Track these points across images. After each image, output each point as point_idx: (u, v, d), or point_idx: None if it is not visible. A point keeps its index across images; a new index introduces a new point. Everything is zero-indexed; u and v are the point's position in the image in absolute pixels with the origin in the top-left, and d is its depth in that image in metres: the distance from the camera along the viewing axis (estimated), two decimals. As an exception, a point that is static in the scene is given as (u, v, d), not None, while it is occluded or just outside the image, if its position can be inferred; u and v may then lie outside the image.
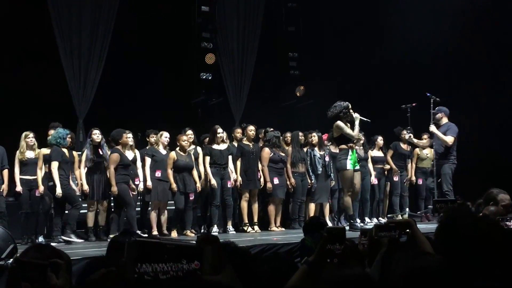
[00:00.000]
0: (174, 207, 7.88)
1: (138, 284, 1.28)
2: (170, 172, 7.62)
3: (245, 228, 8.00)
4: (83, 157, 7.45)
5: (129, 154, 7.61)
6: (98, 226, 7.40)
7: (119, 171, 7.26)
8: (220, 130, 8.06)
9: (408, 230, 2.43)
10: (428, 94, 8.23)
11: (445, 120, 8.15)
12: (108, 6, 9.98)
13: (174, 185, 7.57)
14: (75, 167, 7.56)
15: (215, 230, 7.86)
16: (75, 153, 7.62)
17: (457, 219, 2.12)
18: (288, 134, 8.77)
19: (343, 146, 7.51)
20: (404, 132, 9.29)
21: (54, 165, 6.97)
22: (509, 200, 4.02)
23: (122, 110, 9.76)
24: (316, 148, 8.70)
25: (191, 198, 7.72)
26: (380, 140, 9.36)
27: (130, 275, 1.27)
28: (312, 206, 8.64)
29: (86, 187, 7.31)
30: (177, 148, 7.77)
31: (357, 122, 7.41)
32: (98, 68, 9.87)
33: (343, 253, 2.15)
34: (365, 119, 7.62)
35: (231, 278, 1.37)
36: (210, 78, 11.20)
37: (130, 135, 7.53)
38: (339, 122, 7.37)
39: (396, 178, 9.28)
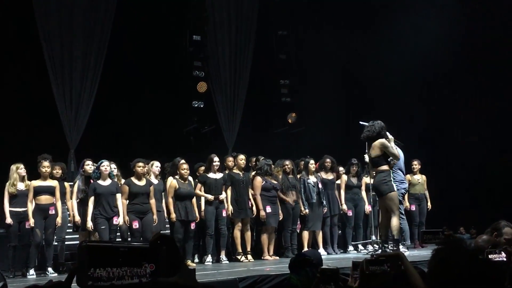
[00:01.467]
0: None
1: None
2: (170, 201, 7.55)
3: (239, 257, 7.93)
4: (75, 188, 7.42)
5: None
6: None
7: (129, 202, 7.29)
8: (216, 158, 8.05)
9: (399, 263, 2.43)
10: (361, 123, 7.76)
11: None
12: (100, 35, 10.04)
13: (173, 215, 7.50)
14: (66, 198, 7.53)
15: (208, 259, 7.79)
16: (66, 184, 7.62)
17: (450, 255, 2.11)
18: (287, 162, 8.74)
19: (385, 167, 7.24)
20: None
21: (89, 201, 7.13)
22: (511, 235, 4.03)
23: (113, 140, 9.76)
24: (310, 176, 8.70)
25: (192, 227, 7.66)
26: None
27: (83, 282, 1.22)
28: (305, 234, 8.59)
29: (77, 218, 7.25)
30: (177, 177, 7.73)
31: (392, 144, 7.29)
32: (90, 98, 9.87)
33: None
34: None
35: (187, 277, 1.33)
36: (202, 106, 11.21)
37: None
38: (385, 141, 7.14)
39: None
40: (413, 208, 9.42)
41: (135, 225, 7.27)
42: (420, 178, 9.55)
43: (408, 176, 9.51)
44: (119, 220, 7.24)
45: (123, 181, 7.62)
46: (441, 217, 10.28)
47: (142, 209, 7.33)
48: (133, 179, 7.42)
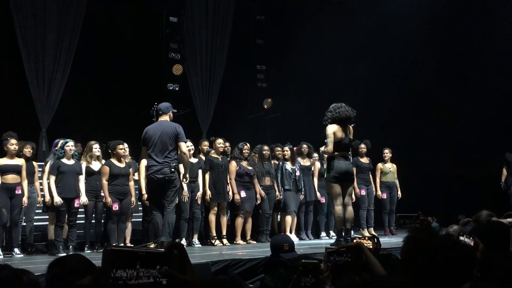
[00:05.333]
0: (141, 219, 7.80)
1: None
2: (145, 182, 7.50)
3: (213, 241, 7.93)
4: (47, 168, 7.28)
5: (96, 165, 7.51)
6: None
7: (109, 183, 7.27)
8: (189, 143, 8.00)
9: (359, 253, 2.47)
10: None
11: (163, 118, 6.72)
12: (74, 14, 9.85)
13: (146, 196, 7.43)
14: (35, 178, 7.40)
15: (182, 243, 7.76)
16: (35, 164, 7.49)
17: (422, 239, 2.14)
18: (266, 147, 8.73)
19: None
20: (362, 145, 9.36)
21: (50, 179, 7.02)
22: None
23: (87, 120, 9.60)
24: (288, 163, 8.73)
25: None
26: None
27: (106, 280, 1.45)
28: (288, 219, 8.63)
29: (48, 198, 7.12)
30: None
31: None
32: (62, 77, 9.70)
33: (313, 286, 2.27)
34: None
35: (195, 278, 1.58)
36: (177, 89, 11.12)
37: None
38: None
39: (363, 192, 9.34)
40: (384, 196, 9.55)
41: (115, 207, 7.26)
42: (391, 166, 9.67)
43: (380, 164, 9.64)
44: (81, 201, 7.23)
45: (103, 161, 7.57)
46: (411, 205, 10.42)
47: (123, 190, 7.35)
48: (113, 160, 7.41)
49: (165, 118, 6.65)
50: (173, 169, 6.36)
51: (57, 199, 6.96)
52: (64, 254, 6.00)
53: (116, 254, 1.48)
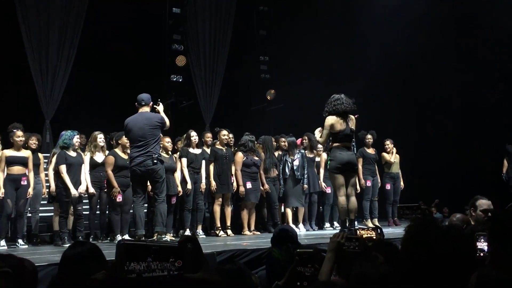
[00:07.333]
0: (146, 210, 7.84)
1: (127, 281, 1.46)
2: None
3: (217, 232, 7.96)
4: (54, 159, 7.31)
5: (100, 157, 7.53)
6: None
7: (114, 174, 7.27)
8: (193, 133, 8.03)
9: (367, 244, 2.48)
10: None
11: (144, 109, 6.61)
12: (77, 6, 9.86)
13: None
14: (40, 169, 7.42)
15: (187, 234, 7.80)
16: (40, 155, 7.51)
17: (424, 231, 2.14)
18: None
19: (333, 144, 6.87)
20: (369, 136, 9.39)
21: (62, 169, 7.00)
22: (488, 206, 4.16)
23: (90, 112, 9.63)
24: (288, 153, 8.75)
25: (173, 202, 7.64)
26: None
27: (119, 273, 1.45)
28: (288, 211, 8.65)
29: (53, 187, 7.15)
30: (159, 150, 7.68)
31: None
32: (66, 69, 9.73)
33: (313, 275, 2.25)
34: None
35: (211, 273, 1.54)
36: (180, 80, 11.12)
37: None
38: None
39: (369, 183, 9.35)
40: (388, 187, 9.56)
41: (119, 198, 7.27)
42: (394, 157, 9.66)
43: (384, 154, 9.62)
44: (82, 189, 7.22)
45: (107, 152, 7.57)
46: (415, 196, 10.43)
47: (126, 182, 7.29)
48: (117, 151, 7.41)
49: (146, 109, 6.60)
50: (155, 161, 6.34)
51: (74, 192, 7.00)
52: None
53: (129, 247, 1.49)
